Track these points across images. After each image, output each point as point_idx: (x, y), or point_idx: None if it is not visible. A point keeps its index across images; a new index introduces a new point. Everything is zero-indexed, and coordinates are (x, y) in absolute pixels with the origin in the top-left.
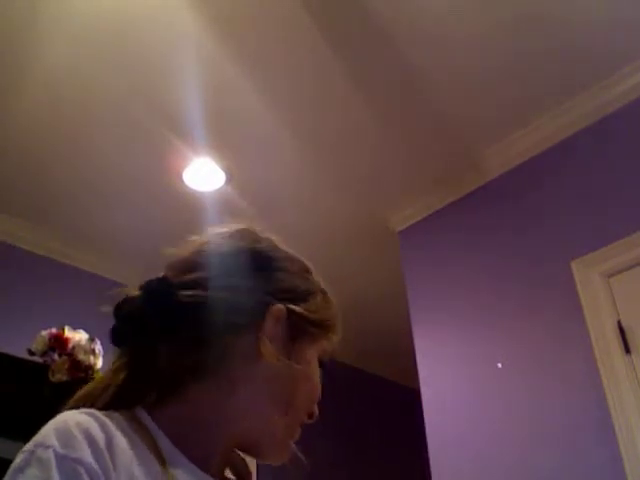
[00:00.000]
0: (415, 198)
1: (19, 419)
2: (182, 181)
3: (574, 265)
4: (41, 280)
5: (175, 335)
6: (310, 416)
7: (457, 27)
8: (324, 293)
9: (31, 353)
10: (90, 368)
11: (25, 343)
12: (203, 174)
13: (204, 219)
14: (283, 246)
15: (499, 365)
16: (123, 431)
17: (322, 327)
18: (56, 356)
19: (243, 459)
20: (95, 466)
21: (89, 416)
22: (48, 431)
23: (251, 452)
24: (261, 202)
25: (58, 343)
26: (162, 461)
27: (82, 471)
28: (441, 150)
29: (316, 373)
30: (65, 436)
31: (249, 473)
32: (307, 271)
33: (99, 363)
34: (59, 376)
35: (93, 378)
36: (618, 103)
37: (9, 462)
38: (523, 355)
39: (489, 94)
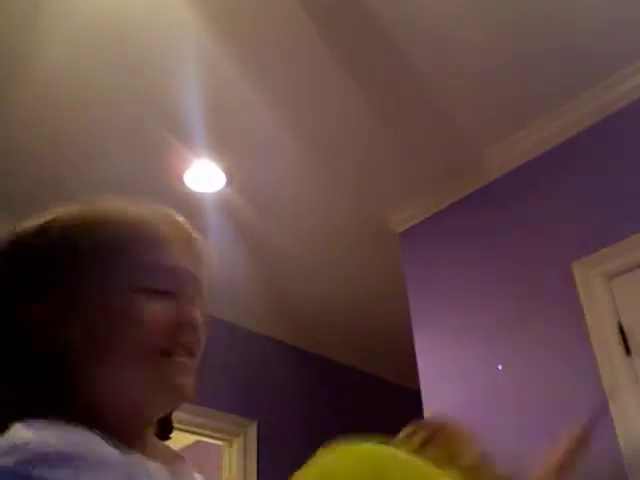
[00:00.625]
0: (415, 199)
1: None
2: (183, 183)
3: (575, 266)
4: None
5: None
6: (178, 343)
7: (457, 27)
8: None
9: None
10: None
11: None
12: (204, 176)
13: (205, 221)
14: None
15: (499, 367)
16: None
17: (97, 270)
18: None
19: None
20: None
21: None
22: None
23: (149, 414)
24: (262, 203)
25: None
26: None
27: None
28: (441, 151)
29: (131, 303)
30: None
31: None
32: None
33: None
34: None
35: None
36: (619, 104)
37: None
38: (523, 357)
39: (490, 95)
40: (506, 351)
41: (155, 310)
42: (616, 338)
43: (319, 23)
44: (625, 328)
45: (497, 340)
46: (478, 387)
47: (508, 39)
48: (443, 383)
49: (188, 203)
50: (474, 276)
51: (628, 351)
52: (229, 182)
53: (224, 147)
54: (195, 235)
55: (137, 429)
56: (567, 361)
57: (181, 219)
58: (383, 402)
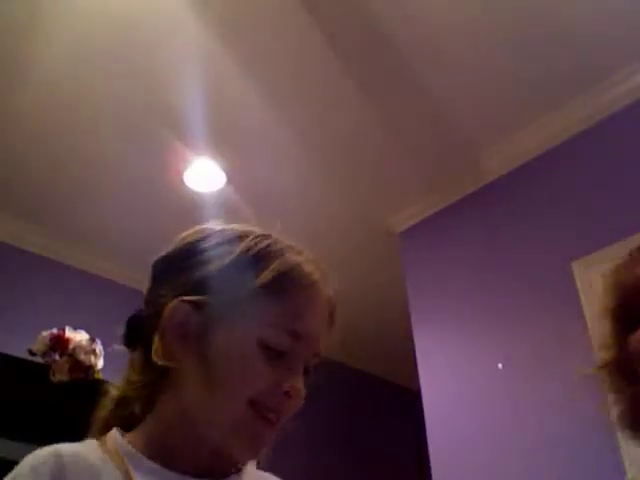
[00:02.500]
0: (416, 199)
1: (20, 419)
2: (183, 182)
3: (575, 265)
4: (41, 280)
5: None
6: (268, 409)
7: (457, 28)
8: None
9: (32, 353)
10: (91, 368)
11: (25, 343)
12: (204, 175)
13: (205, 220)
14: (229, 231)
15: (499, 366)
16: (81, 460)
17: (249, 306)
18: (57, 356)
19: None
20: None
21: (47, 452)
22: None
23: (220, 451)
24: (261, 202)
25: (59, 343)
26: (127, 476)
27: None
28: (441, 151)
29: (253, 358)
30: (15, 475)
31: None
32: (253, 253)
33: (100, 363)
34: (60, 376)
35: (94, 378)
36: (619, 104)
37: (9, 462)
38: (524, 356)
39: (489, 95)
40: (506, 350)
41: (270, 373)
42: None
43: (320, 23)
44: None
45: (497, 339)
46: (478, 387)
47: (508, 39)
48: (443, 383)
49: (188, 202)
50: (474, 276)
51: None
52: (229, 181)
53: (224, 146)
54: (330, 301)
55: (199, 459)
56: (567, 360)
57: (329, 289)
58: (383, 403)
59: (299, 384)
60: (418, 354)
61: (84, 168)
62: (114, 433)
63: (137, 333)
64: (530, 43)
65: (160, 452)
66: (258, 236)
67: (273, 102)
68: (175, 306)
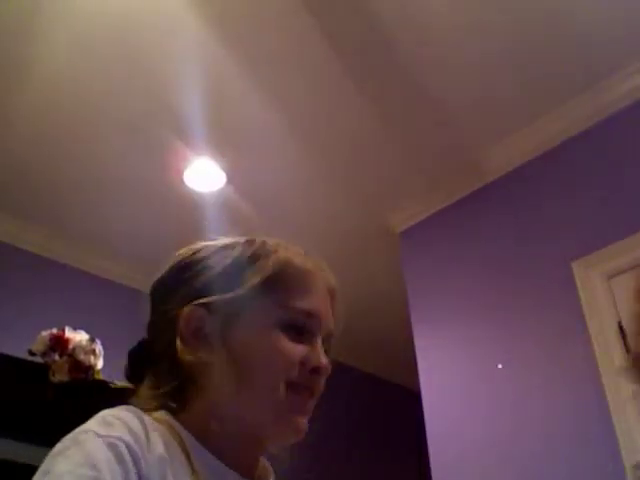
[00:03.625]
0: (416, 199)
1: (20, 419)
2: (183, 182)
3: (575, 266)
4: (41, 280)
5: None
6: (304, 381)
7: (458, 28)
8: (281, 264)
9: (31, 353)
10: (90, 368)
11: (25, 343)
12: (204, 175)
13: (205, 220)
14: (224, 240)
15: (499, 366)
16: (157, 430)
17: (257, 299)
18: (56, 356)
19: (264, 466)
20: (135, 446)
21: (128, 411)
22: (88, 422)
23: (265, 439)
24: (262, 202)
25: (58, 343)
26: (190, 463)
27: (122, 446)
28: (442, 151)
29: (277, 340)
30: (104, 422)
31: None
32: (248, 255)
33: (99, 364)
34: (59, 377)
35: (93, 378)
36: (619, 104)
37: (9, 462)
38: (523, 356)
39: (490, 95)
40: (506, 350)
41: (297, 348)
42: (616, 337)
43: (321, 23)
44: (625, 326)
45: (497, 339)
46: (478, 386)
47: (508, 40)
48: (443, 382)
49: (188, 202)
50: (474, 276)
51: (627, 349)
52: (229, 181)
53: (224, 146)
54: (337, 289)
55: (245, 449)
56: (567, 360)
57: (328, 271)
58: (383, 402)
59: (325, 359)
60: (418, 353)
61: (84, 168)
62: (169, 417)
63: (138, 368)
64: (530, 43)
65: (208, 443)
66: (248, 241)
67: (273, 102)
68: (189, 311)
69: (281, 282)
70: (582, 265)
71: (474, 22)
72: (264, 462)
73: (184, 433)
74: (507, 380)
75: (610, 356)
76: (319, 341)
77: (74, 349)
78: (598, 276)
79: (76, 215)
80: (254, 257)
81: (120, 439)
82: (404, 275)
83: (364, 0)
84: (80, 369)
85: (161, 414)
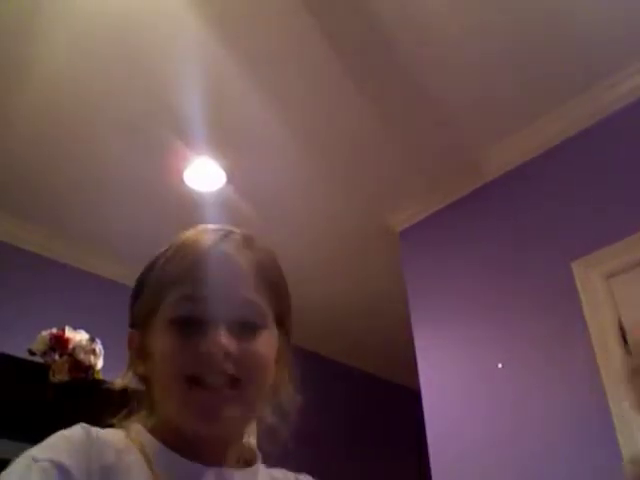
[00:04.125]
0: (416, 198)
1: (20, 419)
2: (183, 181)
3: (574, 266)
4: (41, 280)
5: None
6: (204, 378)
7: (458, 28)
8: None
9: (32, 353)
10: (90, 368)
11: (25, 343)
12: (204, 174)
13: (205, 220)
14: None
15: (499, 365)
16: (110, 442)
17: (148, 308)
18: (57, 356)
19: (250, 448)
20: (69, 464)
21: (77, 429)
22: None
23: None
24: (261, 202)
25: (59, 343)
26: (150, 467)
27: (52, 469)
28: (442, 151)
29: (164, 341)
30: (47, 444)
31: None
32: (149, 267)
33: (99, 363)
34: (60, 376)
35: (93, 378)
36: (619, 104)
37: (9, 462)
38: (523, 355)
39: (489, 95)
40: (506, 349)
41: (178, 341)
42: (616, 337)
43: (321, 23)
44: (625, 327)
45: (497, 339)
46: (478, 386)
47: (508, 40)
48: (443, 382)
49: (188, 202)
50: (474, 275)
51: (628, 349)
52: (229, 181)
53: (224, 145)
54: (230, 254)
55: (203, 446)
56: (567, 360)
57: (226, 248)
58: (383, 401)
59: (227, 342)
60: (418, 353)
61: (84, 167)
62: (136, 424)
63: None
64: (530, 44)
65: (174, 442)
66: (170, 243)
67: (273, 102)
68: (128, 336)
69: (168, 273)
70: (582, 265)
71: (474, 22)
72: (249, 444)
73: (147, 438)
74: (507, 380)
75: (610, 356)
76: (218, 323)
77: (74, 349)
78: (598, 276)
79: (76, 215)
80: (156, 259)
81: (52, 461)
82: (404, 275)
83: (364, 0)
84: (80, 369)
85: (136, 421)
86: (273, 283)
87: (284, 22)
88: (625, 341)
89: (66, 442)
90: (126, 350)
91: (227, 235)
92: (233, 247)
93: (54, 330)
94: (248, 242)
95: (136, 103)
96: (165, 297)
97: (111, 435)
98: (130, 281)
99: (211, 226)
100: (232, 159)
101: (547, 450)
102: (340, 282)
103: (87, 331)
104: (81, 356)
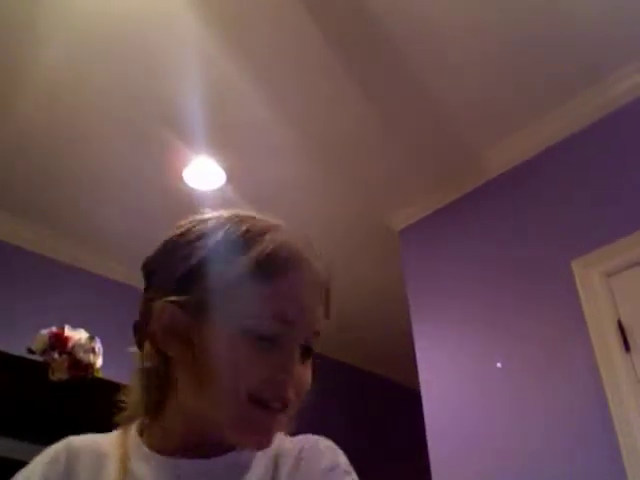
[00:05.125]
0: (416, 197)
1: (19, 418)
2: (182, 180)
3: (574, 264)
4: (41, 279)
5: None
6: (269, 399)
7: (458, 28)
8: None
9: (31, 352)
10: (90, 367)
11: (25, 342)
12: (203, 173)
13: None
14: (208, 222)
15: (499, 365)
16: (86, 453)
17: (225, 304)
18: (56, 355)
19: None
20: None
21: (61, 443)
22: None
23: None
24: (261, 201)
25: (58, 342)
26: (124, 467)
27: None
28: (442, 150)
29: (237, 351)
30: (30, 463)
31: None
32: (217, 250)
33: (99, 362)
34: (59, 375)
35: (93, 377)
36: (618, 103)
37: (9, 461)
38: (523, 354)
39: (489, 94)
40: (505, 349)
41: (253, 356)
42: (615, 335)
43: (320, 22)
44: (624, 325)
45: (496, 338)
46: (477, 385)
47: (508, 40)
48: (443, 381)
49: (188, 201)
50: (474, 274)
51: (627, 347)
52: (229, 179)
53: (224, 144)
54: (322, 276)
55: (211, 444)
56: (566, 358)
57: (319, 264)
58: (383, 400)
59: (295, 369)
60: (418, 352)
61: (84, 167)
62: (133, 426)
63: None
64: (529, 44)
65: (163, 447)
66: (237, 222)
67: (273, 100)
68: (160, 308)
69: (265, 276)
70: (582, 264)
71: (474, 21)
72: None
73: (135, 442)
74: (506, 379)
75: (609, 353)
76: (296, 348)
77: (73, 347)
78: (597, 275)
79: (75, 214)
80: (239, 243)
81: (24, 473)
82: (404, 274)
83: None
84: (79, 367)
85: (130, 428)
86: (329, 308)
87: (284, 22)
88: (625, 339)
89: (42, 460)
90: (127, 347)
91: (319, 253)
92: (323, 268)
93: (53, 329)
94: (322, 259)
95: (136, 102)
96: (249, 301)
97: (97, 443)
98: (130, 279)
99: (293, 232)
100: (232, 158)
101: (546, 448)
102: (340, 281)
103: (86, 330)
104: (80, 355)
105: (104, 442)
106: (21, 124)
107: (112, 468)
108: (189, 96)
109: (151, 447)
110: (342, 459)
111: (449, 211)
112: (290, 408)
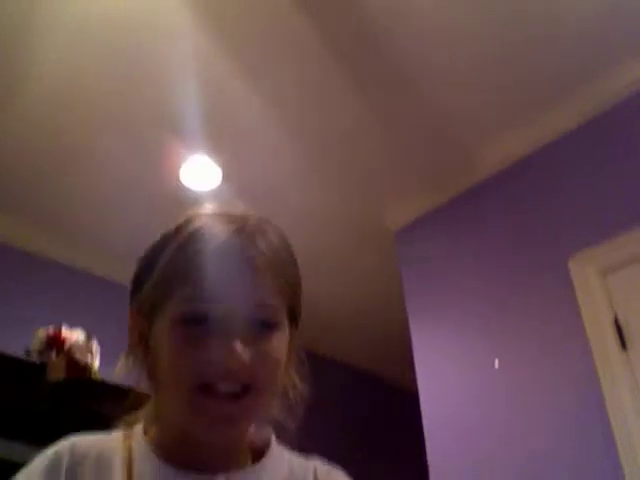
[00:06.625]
0: (412, 198)
1: (16, 418)
2: (179, 179)
3: (571, 262)
4: (38, 280)
5: None
6: (214, 384)
7: (455, 28)
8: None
9: (28, 352)
10: (87, 367)
11: (22, 342)
12: (200, 172)
13: None
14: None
15: (496, 364)
16: (90, 454)
17: (155, 299)
18: (53, 355)
19: (263, 437)
20: (47, 473)
21: (65, 442)
22: None
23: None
24: (258, 200)
25: (55, 342)
26: (129, 471)
27: None
28: (437, 150)
29: (170, 342)
30: (30, 464)
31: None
32: (158, 248)
33: (96, 362)
34: (56, 375)
35: (90, 377)
36: (612, 101)
37: (5, 461)
38: (520, 352)
39: (486, 94)
40: (503, 347)
41: (186, 345)
42: (612, 332)
43: (319, 23)
44: (621, 322)
45: (494, 336)
46: (475, 384)
47: (504, 41)
48: (440, 381)
49: (184, 200)
50: (470, 273)
51: (624, 345)
52: (225, 178)
53: (220, 143)
54: (245, 251)
55: (207, 452)
56: (563, 356)
57: (244, 243)
58: (381, 401)
59: (236, 346)
60: (415, 353)
61: (81, 167)
62: (139, 427)
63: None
64: (524, 43)
65: (164, 448)
66: (186, 218)
67: (270, 100)
68: (129, 314)
69: (180, 268)
70: (578, 262)
71: (470, 21)
72: (262, 433)
73: (139, 444)
74: (504, 377)
75: (606, 351)
76: (235, 326)
77: (70, 348)
78: (594, 272)
79: (72, 214)
80: (165, 240)
81: (25, 474)
82: (400, 274)
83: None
84: (77, 368)
85: (135, 428)
86: (289, 276)
87: (280, 21)
88: (621, 336)
89: (44, 459)
90: (124, 348)
91: (243, 227)
92: (250, 242)
93: (50, 329)
94: (264, 231)
95: (132, 101)
96: (173, 293)
97: (101, 444)
98: (126, 280)
99: (224, 211)
100: (228, 157)
101: (544, 447)
102: (336, 282)
103: (83, 330)
104: (77, 355)
105: (108, 443)
106: (16, 125)
107: (117, 471)
108: (185, 94)
109: (155, 448)
110: None
111: (445, 210)
112: (256, 390)
